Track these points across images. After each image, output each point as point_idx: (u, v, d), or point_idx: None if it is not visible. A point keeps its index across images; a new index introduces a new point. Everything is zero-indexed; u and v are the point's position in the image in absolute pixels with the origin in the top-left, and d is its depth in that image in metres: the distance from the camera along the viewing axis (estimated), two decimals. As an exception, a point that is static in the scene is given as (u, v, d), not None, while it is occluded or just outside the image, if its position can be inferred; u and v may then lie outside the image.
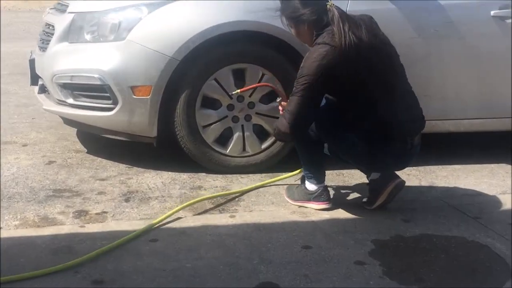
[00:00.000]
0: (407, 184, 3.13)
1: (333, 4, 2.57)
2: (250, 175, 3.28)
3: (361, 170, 2.96)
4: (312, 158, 2.83)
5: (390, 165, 2.76)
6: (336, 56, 2.47)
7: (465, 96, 3.44)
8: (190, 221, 2.63)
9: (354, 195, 3.04)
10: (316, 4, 2.58)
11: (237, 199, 2.95)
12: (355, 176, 3.25)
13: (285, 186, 3.04)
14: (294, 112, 2.55)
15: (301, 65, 2.55)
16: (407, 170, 3.34)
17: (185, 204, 2.78)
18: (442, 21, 3.31)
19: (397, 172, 2.84)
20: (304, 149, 2.83)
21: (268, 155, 3.32)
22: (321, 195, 2.82)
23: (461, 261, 2.37)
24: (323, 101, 2.66)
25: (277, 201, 2.94)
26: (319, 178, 2.84)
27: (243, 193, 3.01)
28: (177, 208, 2.72)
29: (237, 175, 3.27)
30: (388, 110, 2.57)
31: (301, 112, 2.54)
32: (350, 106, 2.60)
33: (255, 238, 2.50)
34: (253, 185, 3.07)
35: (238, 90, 2.96)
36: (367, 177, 2.88)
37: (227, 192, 2.99)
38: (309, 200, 2.83)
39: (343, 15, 2.54)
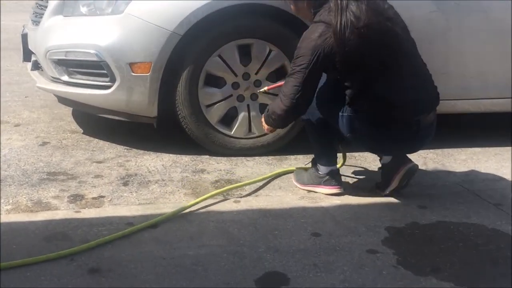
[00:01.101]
0: (423, 168, 3.13)
1: None
2: (256, 158, 3.28)
3: (374, 153, 2.96)
4: (322, 138, 2.83)
5: (395, 149, 2.75)
6: (332, 34, 2.48)
7: (486, 74, 3.42)
8: (192, 207, 2.62)
9: (366, 180, 3.03)
10: None
11: (239, 180, 2.96)
12: (368, 159, 3.25)
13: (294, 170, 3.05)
14: (291, 94, 2.58)
15: (298, 45, 2.57)
16: (423, 153, 3.34)
17: (218, 191, 2.78)
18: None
19: (413, 155, 2.83)
20: (313, 129, 2.84)
21: (275, 137, 3.31)
22: (332, 178, 2.81)
23: (481, 250, 2.36)
24: (324, 78, 2.67)
25: (284, 186, 2.93)
26: (330, 161, 2.84)
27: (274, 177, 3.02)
28: (209, 194, 2.72)
29: (242, 158, 3.28)
30: (387, 91, 2.56)
31: (298, 94, 2.57)
32: (347, 85, 2.60)
33: (261, 225, 2.50)
34: (278, 171, 3.05)
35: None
36: (380, 160, 2.88)
37: (263, 177, 2.97)
38: (319, 184, 2.83)
39: None
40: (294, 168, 3.05)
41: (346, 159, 3.11)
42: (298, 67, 2.54)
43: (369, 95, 2.57)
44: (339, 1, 2.50)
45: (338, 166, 2.98)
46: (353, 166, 3.19)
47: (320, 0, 2.59)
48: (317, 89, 2.64)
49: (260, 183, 2.94)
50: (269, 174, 3.00)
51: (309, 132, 2.87)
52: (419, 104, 2.63)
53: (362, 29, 2.46)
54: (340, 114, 2.65)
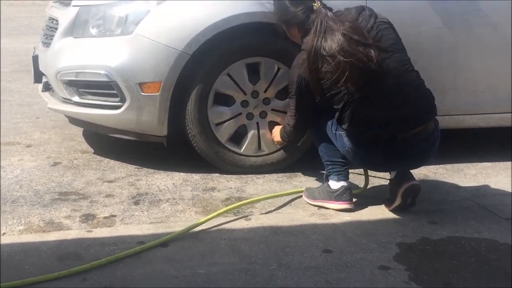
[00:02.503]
0: (434, 183, 3.12)
1: (321, 5, 2.66)
2: (266, 175, 3.29)
3: (370, 170, 3.01)
4: (331, 153, 2.86)
5: (388, 166, 2.81)
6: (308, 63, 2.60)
7: (496, 88, 3.41)
8: (203, 224, 2.63)
9: (377, 195, 3.03)
10: (302, 4, 2.69)
11: (249, 197, 2.97)
12: (379, 174, 3.24)
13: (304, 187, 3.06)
14: (291, 116, 2.83)
15: (290, 72, 2.78)
16: (432, 168, 3.34)
17: (228, 207, 2.79)
18: (471, 9, 3.29)
19: (422, 170, 2.84)
20: (321, 144, 2.88)
21: (285, 154, 3.32)
22: (343, 194, 2.82)
23: (493, 266, 2.34)
24: None
25: (295, 203, 2.94)
26: (340, 175, 2.85)
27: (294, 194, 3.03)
28: (219, 211, 2.73)
29: (253, 175, 3.28)
30: (367, 113, 2.60)
31: (297, 115, 2.80)
32: (334, 106, 2.66)
33: (272, 242, 2.50)
34: (288, 192, 3.05)
35: None
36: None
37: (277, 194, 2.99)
38: (330, 199, 2.84)
39: (326, 18, 2.59)
40: (303, 189, 3.05)
41: (356, 175, 3.12)
42: (290, 93, 2.77)
43: (350, 116, 2.62)
44: (318, 26, 2.58)
45: (359, 189, 3.03)
46: (362, 179, 3.16)
47: (307, 26, 2.68)
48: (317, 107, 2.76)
49: (271, 200, 2.94)
50: (280, 193, 3.00)
51: (318, 146, 2.91)
52: (405, 120, 2.63)
53: (332, 57, 2.51)
54: (334, 131, 2.75)
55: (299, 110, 2.79)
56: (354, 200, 2.88)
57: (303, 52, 2.66)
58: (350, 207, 2.83)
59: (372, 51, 2.52)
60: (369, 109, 2.60)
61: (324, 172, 2.94)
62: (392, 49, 2.62)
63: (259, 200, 2.92)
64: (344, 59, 2.49)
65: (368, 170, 3.03)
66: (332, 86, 2.57)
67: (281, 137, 3.07)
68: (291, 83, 2.74)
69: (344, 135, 2.71)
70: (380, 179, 3.21)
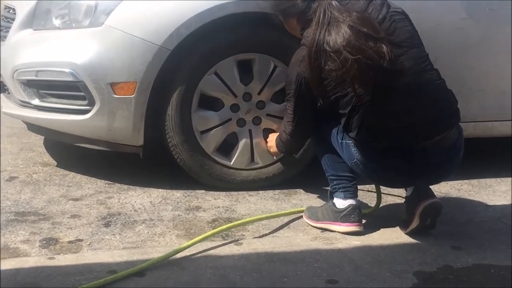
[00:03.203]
0: (457, 201, 3.12)
1: None
2: (260, 192, 3.30)
3: (382, 185, 3.03)
4: (336, 165, 2.87)
5: (401, 181, 2.82)
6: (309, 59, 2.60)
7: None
8: (185, 250, 2.62)
9: (391, 215, 3.03)
10: None
11: (240, 218, 2.96)
12: (394, 191, 3.25)
13: (305, 206, 3.06)
14: (288, 122, 2.86)
15: (287, 70, 2.80)
16: (456, 184, 3.35)
17: (216, 230, 2.78)
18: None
19: (444, 187, 2.84)
20: (324, 154, 2.89)
21: (282, 167, 3.33)
22: (350, 214, 2.82)
23: (527, 298, 2.35)
24: None
25: (294, 224, 2.94)
26: (347, 192, 2.85)
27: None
28: (205, 235, 2.72)
29: (244, 192, 3.30)
30: (377, 117, 2.61)
31: (294, 121, 2.83)
32: (339, 111, 2.67)
33: (267, 271, 2.49)
34: (287, 211, 3.05)
35: None
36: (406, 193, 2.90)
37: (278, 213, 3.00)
38: (335, 220, 2.84)
39: (330, 7, 2.59)
40: (304, 208, 3.05)
41: (381, 200, 3.10)
42: (287, 95, 2.79)
43: (359, 122, 2.63)
44: (320, 17, 2.58)
45: (370, 208, 3.04)
46: (373, 196, 3.17)
47: (308, 16, 2.68)
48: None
49: (266, 222, 2.94)
50: (276, 213, 3.01)
51: (321, 158, 2.92)
52: (424, 127, 2.63)
53: (337, 53, 2.51)
54: (340, 140, 2.75)
55: (298, 114, 2.80)
56: (363, 221, 2.87)
57: (303, 47, 2.66)
58: (359, 229, 2.83)
59: (383, 46, 2.51)
60: (381, 114, 2.60)
61: (329, 188, 2.95)
62: (408, 44, 2.63)
63: (252, 222, 2.91)
64: (351, 56, 2.49)
65: (381, 186, 3.04)
66: (337, 87, 2.58)
67: (277, 146, 3.08)
68: (289, 83, 2.74)
69: (352, 144, 2.71)
70: (395, 196, 3.21)
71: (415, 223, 2.76)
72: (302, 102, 2.75)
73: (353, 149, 2.71)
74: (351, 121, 2.64)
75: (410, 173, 2.71)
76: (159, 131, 3.24)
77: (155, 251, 2.63)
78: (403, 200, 2.95)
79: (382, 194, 3.06)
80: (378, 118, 2.61)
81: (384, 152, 2.67)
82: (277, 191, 3.32)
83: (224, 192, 3.29)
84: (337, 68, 2.53)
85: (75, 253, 2.62)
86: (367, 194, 3.20)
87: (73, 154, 3.66)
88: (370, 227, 2.88)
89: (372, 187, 3.08)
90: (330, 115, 2.73)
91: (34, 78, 3.24)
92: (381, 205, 3.08)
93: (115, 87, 3.09)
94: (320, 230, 2.87)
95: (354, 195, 2.86)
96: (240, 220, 2.93)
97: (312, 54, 2.57)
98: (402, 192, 3.01)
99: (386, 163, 2.69)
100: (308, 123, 2.84)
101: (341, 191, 2.86)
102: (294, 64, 2.71)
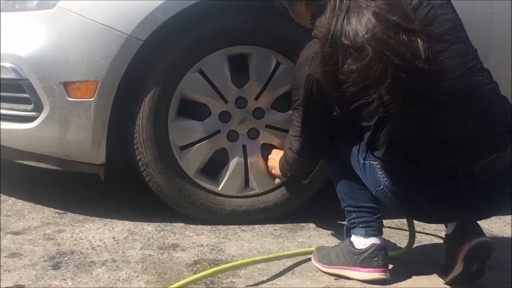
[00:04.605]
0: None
1: None
2: (256, 227, 3.31)
3: (415, 219, 3.02)
4: (357, 192, 2.87)
5: (442, 215, 2.78)
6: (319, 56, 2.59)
7: None
8: (158, 302, 2.63)
9: (426, 259, 3.02)
10: None
11: (230, 261, 2.95)
12: (429, 226, 3.24)
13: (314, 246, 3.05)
14: (296, 137, 2.86)
15: (294, 71, 2.79)
16: (507, 217, 3.33)
17: (198, 276, 2.75)
18: None
19: (497, 223, 2.82)
20: (342, 180, 2.90)
21: (285, 194, 3.35)
22: (373, 256, 2.81)
23: None
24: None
25: (299, 270, 2.93)
26: (370, 228, 2.85)
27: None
28: (184, 282, 2.69)
29: (235, 226, 3.31)
30: (412, 134, 2.58)
31: (303, 136, 2.82)
32: (362, 124, 2.65)
33: (264, 329, 2.49)
34: (291, 252, 3.05)
35: None
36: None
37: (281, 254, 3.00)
38: (353, 264, 2.83)
39: None
40: (312, 248, 3.05)
41: (414, 238, 3.08)
42: (294, 102, 2.79)
43: (387, 138, 2.60)
44: (337, 0, 2.56)
45: (399, 250, 3.04)
46: (404, 237, 3.18)
47: (320, 0, 2.67)
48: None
49: (262, 266, 2.92)
50: (277, 255, 3.01)
51: (336, 184, 2.92)
52: (467, 145, 2.60)
53: (359, 49, 2.49)
54: (362, 161, 2.73)
55: (308, 127, 2.80)
56: (390, 266, 2.85)
57: (314, 41, 2.66)
58: (384, 276, 2.81)
59: (419, 40, 2.49)
60: (416, 128, 2.57)
61: (345, 223, 2.94)
62: (450, 37, 2.61)
63: (245, 265, 2.90)
64: (377, 53, 2.47)
65: (414, 221, 3.04)
66: (359, 93, 2.55)
67: (282, 169, 3.09)
68: (297, 87, 2.74)
69: (378, 166, 2.68)
70: (431, 235, 3.21)
71: (457, 269, 2.74)
72: (313, 111, 2.75)
73: (380, 172, 2.69)
74: (378, 137, 2.61)
75: (453, 204, 2.69)
76: (126, 146, 3.25)
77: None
78: (441, 240, 2.95)
79: (415, 232, 3.05)
80: (412, 133, 2.58)
81: (420, 177, 2.64)
82: (278, 226, 3.32)
83: (209, 226, 3.29)
84: (359, 69, 2.50)
85: (14, 303, 2.62)
86: (395, 232, 3.19)
87: (14, 174, 3.65)
88: (398, 274, 2.86)
89: (402, 222, 3.06)
90: (349, 128, 2.74)
91: (-35, 74, 3.25)
92: (414, 245, 3.07)
93: (70, 87, 3.09)
94: (334, 278, 2.85)
95: (378, 232, 2.86)
96: (229, 263, 2.91)
97: (327, 50, 2.55)
98: (440, 228, 3.01)
99: (422, 191, 2.66)
100: (321, 138, 2.84)
101: (362, 227, 2.85)
102: (304, 62, 2.70)
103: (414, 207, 2.75)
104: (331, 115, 2.75)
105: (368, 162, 2.72)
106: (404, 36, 2.47)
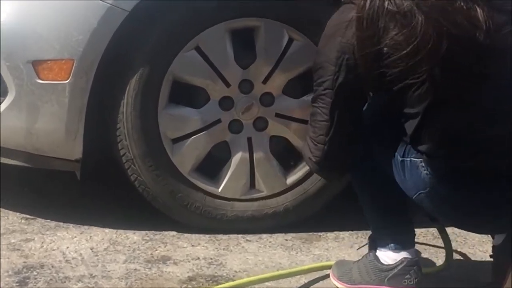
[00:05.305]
0: None
1: None
2: (264, 236, 3.30)
3: (463, 229, 3.01)
4: (385, 200, 2.82)
5: (491, 222, 2.71)
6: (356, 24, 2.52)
7: None
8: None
9: (467, 277, 3.01)
10: None
11: (232, 277, 2.95)
12: (470, 239, 3.24)
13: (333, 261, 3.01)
14: (319, 137, 2.70)
15: (318, 45, 2.70)
16: None
17: None
18: None
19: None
20: (366, 185, 2.87)
21: (298, 197, 3.32)
22: (404, 273, 2.78)
23: None
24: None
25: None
26: (400, 240, 2.83)
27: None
28: None
29: (239, 235, 3.31)
30: (462, 120, 2.53)
31: (330, 133, 2.67)
32: (406, 112, 2.60)
33: None
34: (307, 267, 3.03)
35: None
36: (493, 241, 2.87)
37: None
38: (380, 283, 2.80)
39: None
40: (332, 262, 3.02)
41: (453, 255, 3.08)
42: (320, 87, 2.65)
43: (438, 128, 2.56)
44: None
45: (436, 267, 3.01)
46: (441, 250, 3.15)
47: None
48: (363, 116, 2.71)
49: (271, 284, 2.89)
50: (290, 271, 2.97)
51: (359, 190, 2.88)
52: None
53: (406, 16, 2.44)
54: (400, 158, 2.67)
55: (338, 122, 2.68)
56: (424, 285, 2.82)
57: (348, 6, 2.60)
58: (417, 297, 2.84)
59: (478, 9, 2.46)
60: (473, 115, 2.53)
61: (371, 232, 2.93)
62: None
63: (251, 284, 2.87)
64: (429, 19, 2.43)
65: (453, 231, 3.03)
66: (406, 71, 2.49)
67: (307, 162, 2.94)
68: (322, 65, 2.64)
69: (423, 165, 2.62)
70: (474, 248, 3.19)
71: (508, 285, 2.70)
72: (346, 97, 2.66)
73: (425, 171, 2.62)
74: (425, 127, 2.57)
75: (488, 209, 2.64)
76: (107, 138, 3.23)
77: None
78: (486, 254, 2.94)
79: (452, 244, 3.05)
80: (469, 122, 2.53)
81: (476, 175, 2.59)
82: (290, 236, 3.32)
83: (207, 235, 3.28)
84: (406, 39, 2.45)
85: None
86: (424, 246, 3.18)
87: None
88: None
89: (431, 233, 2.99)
90: (382, 119, 2.69)
91: None
92: (454, 260, 3.07)
93: (40, 67, 3.08)
94: None
95: (410, 245, 2.84)
96: (232, 280, 2.91)
97: (365, 16, 2.49)
98: (481, 243, 3.00)
99: (478, 192, 2.62)
100: (353, 133, 2.73)
101: (391, 239, 2.82)
102: (334, 31, 2.62)
103: (464, 212, 2.69)
104: (366, 102, 2.69)
105: (408, 159, 2.66)
106: (461, 2, 2.43)
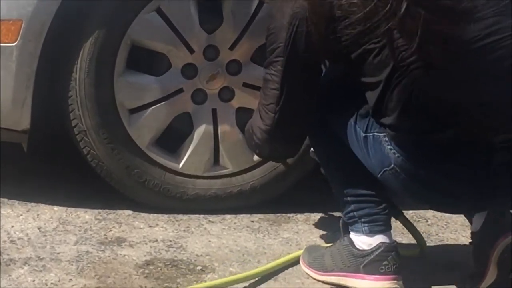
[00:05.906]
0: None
1: None
2: (228, 216, 3.31)
3: (434, 209, 3.09)
4: (355, 176, 2.85)
5: (466, 201, 2.75)
6: None
7: None
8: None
9: (448, 264, 3.05)
10: None
11: (199, 269, 2.94)
12: (452, 224, 3.29)
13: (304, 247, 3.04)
14: (270, 105, 2.77)
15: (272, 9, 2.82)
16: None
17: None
18: None
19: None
20: (334, 160, 2.90)
21: (266, 175, 3.35)
22: (381, 259, 2.80)
23: None
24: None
25: (284, 276, 2.95)
26: (376, 222, 2.85)
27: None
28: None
29: (200, 216, 3.30)
30: (428, 90, 2.54)
31: (280, 102, 2.74)
32: (366, 81, 2.61)
33: None
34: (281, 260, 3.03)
35: None
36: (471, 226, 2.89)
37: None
38: (355, 270, 2.83)
39: None
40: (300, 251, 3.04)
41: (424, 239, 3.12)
42: (271, 54, 2.72)
43: (402, 98, 2.56)
44: None
45: (413, 250, 3.06)
46: (421, 235, 3.17)
47: None
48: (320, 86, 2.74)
49: (236, 269, 2.92)
50: (266, 267, 2.97)
51: (326, 167, 2.92)
52: (509, 110, 2.58)
53: None
54: (363, 134, 2.71)
55: (289, 90, 2.74)
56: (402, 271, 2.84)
57: None
58: (396, 286, 2.81)
59: None
60: (441, 84, 2.54)
61: (341, 216, 2.93)
62: None
63: (231, 284, 2.86)
64: None
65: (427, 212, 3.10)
66: (363, 36, 2.51)
67: (249, 146, 3.02)
68: (275, 30, 2.70)
69: (387, 140, 2.66)
70: (456, 233, 3.22)
71: (491, 276, 2.74)
72: (298, 65, 2.69)
73: (388, 146, 2.66)
74: (389, 97, 2.58)
75: (486, 185, 2.67)
76: (57, 107, 3.23)
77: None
78: (469, 239, 2.96)
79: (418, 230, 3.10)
80: (435, 92, 2.55)
81: (445, 149, 2.62)
82: (256, 217, 3.36)
83: (166, 216, 3.32)
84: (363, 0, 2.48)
85: None
86: (400, 227, 3.19)
87: None
88: (414, 282, 2.87)
89: (414, 217, 3.05)
90: (342, 91, 2.73)
91: None
92: (434, 246, 3.15)
93: None
94: (329, 286, 2.85)
95: (385, 228, 2.87)
96: (194, 265, 2.94)
97: None
98: (463, 227, 3.07)
99: (447, 169, 2.65)
100: (306, 104, 2.79)
101: (364, 222, 2.85)
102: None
103: (435, 191, 2.72)
104: (321, 73, 2.73)
105: (371, 134, 2.69)
106: None
